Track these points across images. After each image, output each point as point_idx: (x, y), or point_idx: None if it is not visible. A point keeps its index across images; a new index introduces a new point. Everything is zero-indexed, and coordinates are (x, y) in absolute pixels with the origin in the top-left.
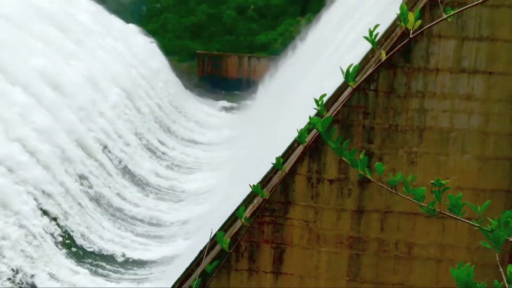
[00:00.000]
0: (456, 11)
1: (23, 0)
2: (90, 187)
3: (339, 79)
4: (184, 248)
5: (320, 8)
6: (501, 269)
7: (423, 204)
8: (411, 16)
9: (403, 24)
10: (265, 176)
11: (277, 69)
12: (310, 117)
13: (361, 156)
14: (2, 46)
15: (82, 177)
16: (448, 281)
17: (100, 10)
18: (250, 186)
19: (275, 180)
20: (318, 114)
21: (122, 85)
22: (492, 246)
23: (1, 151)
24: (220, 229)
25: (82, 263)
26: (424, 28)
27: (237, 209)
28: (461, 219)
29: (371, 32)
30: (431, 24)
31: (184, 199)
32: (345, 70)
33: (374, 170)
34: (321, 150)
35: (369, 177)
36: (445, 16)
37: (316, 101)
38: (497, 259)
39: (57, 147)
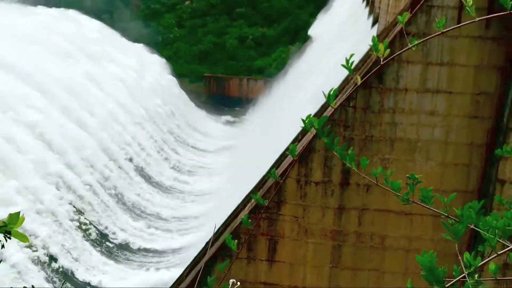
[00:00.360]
0: (420, 41)
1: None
2: (114, 188)
3: (324, 98)
4: (199, 236)
5: (307, 38)
6: (459, 257)
7: (399, 194)
8: (381, 46)
9: (374, 53)
10: (262, 179)
11: (272, 89)
12: (306, 116)
13: (349, 151)
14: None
15: (106, 178)
16: (415, 268)
17: (128, 43)
18: (253, 196)
19: (270, 182)
20: (304, 130)
21: (143, 103)
22: (452, 237)
23: (53, 167)
24: (223, 224)
25: (109, 253)
26: (394, 55)
27: (237, 207)
28: (430, 208)
29: (347, 61)
30: (399, 52)
31: (191, 197)
32: (327, 94)
33: (353, 172)
34: (309, 157)
35: (355, 169)
36: (410, 45)
37: (303, 120)
38: (457, 249)
39: (88, 156)
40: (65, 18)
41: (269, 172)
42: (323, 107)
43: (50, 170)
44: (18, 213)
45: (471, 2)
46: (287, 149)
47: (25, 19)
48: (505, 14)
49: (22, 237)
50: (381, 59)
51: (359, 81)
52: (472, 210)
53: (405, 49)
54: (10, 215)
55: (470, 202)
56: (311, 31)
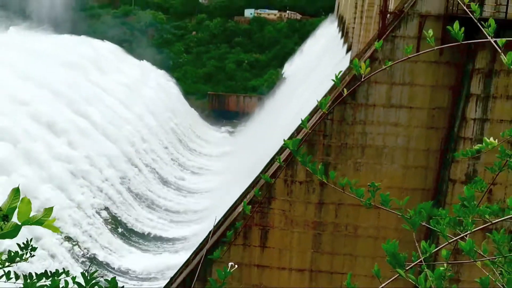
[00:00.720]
0: (391, 63)
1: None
2: (131, 185)
3: (307, 112)
4: (201, 227)
5: (292, 62)
6: (416, 244)
7: (362, 200)
8: (363, 65)
9: (356, 72)
10: (255, 179)
11: (264, 104)
12: (284, 140)
13: (320, 166)
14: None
15: (124, 177)
16: (382, 253)
17: (145, 64)
18: (262, 176)
19: (262, 181)
20: (291, 136)
21: (158, 117)
22: (410, 228)
23: (82, 167)
24: (223, 217)
25: (128, 240)
26: (366, 77)
27: (235, 202)
28: (389, 210)
29: (336, 76)
30: (372, 73)
31: (196, 193)
32: (319, 101)
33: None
34: (294, 162)
35: (325, 181)
36: (384, 67)
37: (284, 141)
38: (414, 237)
39: (110, 159)
40: (105, 49)
41: (262, 173)
42: (306, 119)
43: (83, 174)
44: (52, 207)
45: (432, 33)
46: (277, 153)
47: (66, 48)
48: (456, 44)
49: (54, 229)
50: (362, 76)
51: (345, 92)
52: (424, 210)
53: (378, 70)
54: (45, 209)
55: (422, 203)
56: (297, 58)
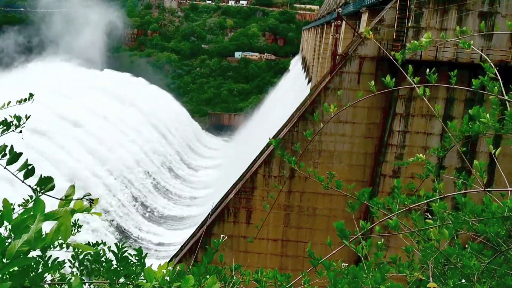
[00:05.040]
0: (351, 104)
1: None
2: (155, 180)
3: (280, 125)
4: (206, 207)
5: (269, 90)
6: (355, 223)
7: (322, 183)
8: (332, 107)
9: (327, 113)
10: (242, 174)
11: (248, 120)
12: (269, 138)
13: (293, 158)
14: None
15: (149, 173)
16: (333, 228)
17: (162, 91)
18: (270, 140)
19: (247, 176)
20: (268, 144)
21: (171, 131)
22: (351, 210)
23: (116, 167)
24: (219, 201)
25: (153, 220)
26: (333, 116)
27: (228, 191)
28: (340, 191)
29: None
30: (335, 114)
31: (199, 184)
32: (271, 140)
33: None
34: (270, 161)
35: (296, 168)
36: (345, 107)
37: (270, 139)
38: (353, 218)
39: (137, 160)
40: (134, 81)
41: (246, 170)
42: (279, 131)
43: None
44: (97, 199)
45: (373, 83)
46: (257, 156)
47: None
48: (389, 90)
49: (98, 214)
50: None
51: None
52: (365, 193)
53: (341, 109)
54: (92, 200)
55: (365, 188)
56: (271, 88)
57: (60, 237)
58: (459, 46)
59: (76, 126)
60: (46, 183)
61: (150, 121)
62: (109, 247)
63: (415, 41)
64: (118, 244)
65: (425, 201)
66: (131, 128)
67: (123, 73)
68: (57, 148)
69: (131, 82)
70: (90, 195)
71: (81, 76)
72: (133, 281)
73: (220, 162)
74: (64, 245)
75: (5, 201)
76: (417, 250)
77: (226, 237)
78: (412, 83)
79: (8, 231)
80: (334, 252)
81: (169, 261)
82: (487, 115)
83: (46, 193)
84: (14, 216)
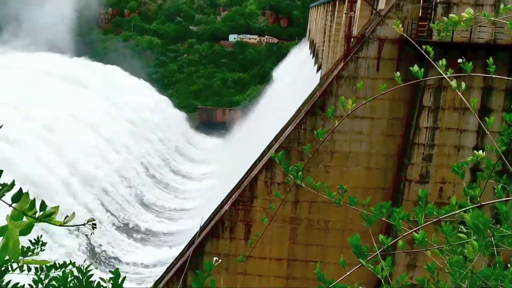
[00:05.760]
0: (369, 99)
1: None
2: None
3: (284, 122)
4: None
5: (270, 80)
6: (372, 239)
7: (333, 199)
8: (349, 102)
9: (343, 107)
10: (240, 181)
11: (246, 116)
12: (272, 154)
13: (300, 174)
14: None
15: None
16: (349, 245)
17: (143, 82)
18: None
19: (246, 183)
20: (270, 144)
21: (156, 131)
22: (367, 224)
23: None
24: (212, 214)
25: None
26: (351, 111)
27: (222, 202)
28: (354, 208)
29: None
30: (354, 109)
31: (188, 193)
32: (272, 155)
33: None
34: (273, 166)
35: (301, 183)
36: (364, 102)
37: (272, 154)
38: (370, 231)
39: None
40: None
41: (244, 176)
42: (283, 129)
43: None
44: (58, 206)
45: (398, 74)
46: (257, 159)
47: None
48: (415, 82)
49: (58, 222)
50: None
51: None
52: (384, 209)
53: (361, 104)
54: (52, 207)
55: (383, 203)
56: (274, 75)
57: (7, 255)
58: (497, 25)
59: (43, 129)
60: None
61: (127, 118)
62: (78, 267)
63: (453, 15)
64: (82, 267)
65: (458, 211)
66: (105, 128)
67: (94, 62)
68: (19, 153)
69: (105, 72)
70: (94, 220)
71: (42, 65)
72: None
73: (212, 167)
74: (17, 265)
75: None
76: (448, 270)
77: (220, 260)
78: (442, 73)
79: None
80: (349, 273)
81: (153, 286)
82: None
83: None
84: None
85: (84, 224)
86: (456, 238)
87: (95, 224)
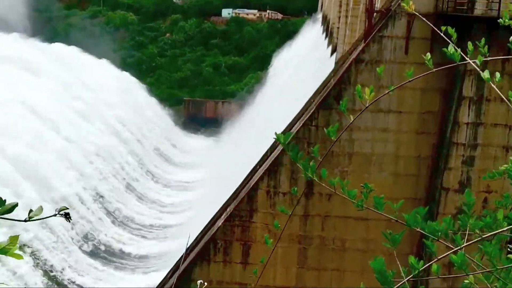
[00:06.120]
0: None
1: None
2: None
3: (290, 118)
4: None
5: (273, 65)
6: (396, 261)
7: (354, 201)
8: (367, 92)
9: (361, 101)
10: (236, 191)
11: (244, 111)
12: (275, 133)
13: (311, 164)
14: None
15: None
16: (370, 268)
17: (114, 69)
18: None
19: (243, 193)
20: (274, 144)
21: (132, 129)
22: (391, 245)
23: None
24: (201, 232)
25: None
26: (371, 102)
27: (214, 217)
28: (382, 213)
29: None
30: (375, 99)
31: (172, 207)
32: (280, 134)
33: (316, 183)
34: (277, 171)
35: (316, 179)
36: (388, 91)
37: (276, 134)
38: (395, 253)
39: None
40: (69, 53)
41: (241, 184)
42: (290, 125)
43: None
44: (17, 236)
45: (429, 56)
46: (257, 163)
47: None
48: (452, 66)
49: (18, 256)
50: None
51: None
52: (419, 215)
53: (383, 94)
54: (10, 237)
55: (418, 208)
56: (278, 60)
57: None
58: None
59: None
60: None
61: (96, 113)
62: None
63: None
64: None
65: (505, 229)
66: (66, 123)
67: (53, 44)
68: None
69: (67, 56)
70: (67, 208)
71: None
72: None
73: (202, 173)
74: None
75: None
76: None
77: (205, 283)
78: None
79: None
80: None
81: None
82: None
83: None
84: None
85: (55, 215)
86: (506, 261)
87: (68, 214)
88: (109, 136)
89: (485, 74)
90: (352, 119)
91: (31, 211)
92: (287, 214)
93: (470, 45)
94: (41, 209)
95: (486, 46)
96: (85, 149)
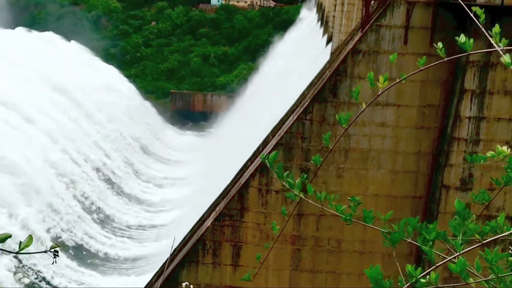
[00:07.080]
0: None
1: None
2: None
3: (283, 111)
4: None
5: (265, 56)
6: (396, 263)
7: (342, 215)
8: (381, 79)
9: (374, 90)
10: (226, 189)
11: (234, 104)
12: (262, 154)
13: (297, 182)
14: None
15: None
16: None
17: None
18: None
19: (233, 191)
20: (266, 140)
21: (115, 121)
22: (390, 244)
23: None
24: (189, 232)
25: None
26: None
27: (202, 216)
28: (371, 226)
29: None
30: (382, 91)
31: (158, 205)
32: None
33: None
34: (269, 168)
35: (303, 197)
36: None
37: (261, 156)
38: (394, 255)
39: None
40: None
41: (232, 182)
42: (283, 120)
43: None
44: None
45: (441, 45)
46: (248, 159)
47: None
48: (455, 57)
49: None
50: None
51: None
52: (410, 225)
53: (393, 84)
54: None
55: (408, 218)
56: (270, 51)
57: None
58: None
59: None
60: None
61: (75, 105)
62: None
63: None
64: None
65: (507, 233)
66: (42, 118)
67: (31, 32)
68: None
69: (43, 43)
70: (58, 247)
71: None
72: None
73: (189, 169)
74: None
75: None
76: None
77: (190, 286)
78: (495, 45)
79: None
80: None
81: None
82: None
83: None
84: None
85: (46, 252)
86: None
87: (57, 252)
88: (95, 137)
89: (506, 59)
90: (360, 111)
91: (21, 243)
92: (281, 214)
93: (496, 33)
94: (31, 239)
95: (506, 40)
96: (61, 142)
